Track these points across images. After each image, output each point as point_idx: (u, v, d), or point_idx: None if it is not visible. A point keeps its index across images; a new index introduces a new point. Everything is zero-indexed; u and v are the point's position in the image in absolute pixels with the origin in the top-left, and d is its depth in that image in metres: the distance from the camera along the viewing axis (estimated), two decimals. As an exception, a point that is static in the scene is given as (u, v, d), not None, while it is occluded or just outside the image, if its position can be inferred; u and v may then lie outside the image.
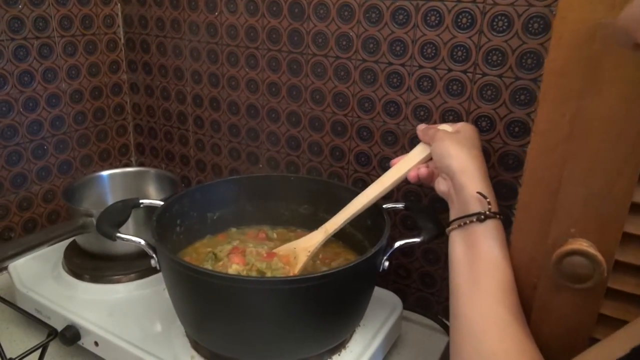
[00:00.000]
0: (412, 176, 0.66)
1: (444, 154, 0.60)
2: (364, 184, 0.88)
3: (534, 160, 0.54)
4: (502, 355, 0.49)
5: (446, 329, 0.84)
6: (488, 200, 0.56)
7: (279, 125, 0.95)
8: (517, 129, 0.72)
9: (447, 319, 0.86)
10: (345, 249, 0.79)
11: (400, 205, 0.74)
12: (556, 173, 0.52)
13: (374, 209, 0.72)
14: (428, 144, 0.65)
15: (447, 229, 0.60)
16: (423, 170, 0.65)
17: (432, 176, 0.65)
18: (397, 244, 0.65)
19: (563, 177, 0.51)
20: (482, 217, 0.55)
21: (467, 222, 0.56)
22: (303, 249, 0.69)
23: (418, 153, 0.67)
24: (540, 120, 0.52)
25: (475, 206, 0.56)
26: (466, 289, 0.54)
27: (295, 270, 0.68)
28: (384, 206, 0.72)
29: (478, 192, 0.56)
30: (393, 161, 0.69)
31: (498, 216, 0.56)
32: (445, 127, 0.67)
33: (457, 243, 0.57)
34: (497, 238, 0.55)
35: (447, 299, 0.85)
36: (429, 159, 0.66)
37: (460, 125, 0.66)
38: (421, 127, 0.68)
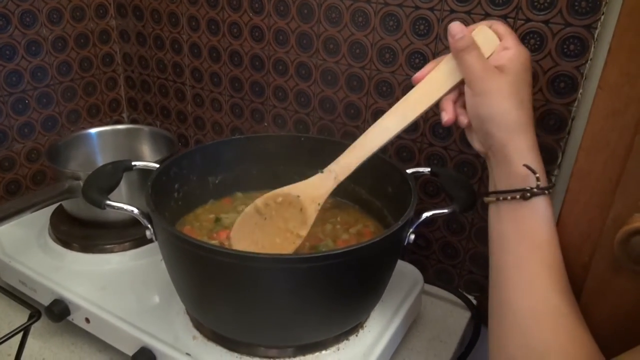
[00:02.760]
0: (447, 119, 0.52)
1: (485, 115, 0.49)
2: (385, 148, 0.82)
3: (597, 122, 0.46)
4: (557, 352, 0.43)
5: (468, 304, 0.80)
6: (537, 175, 0.48)
7: (286, 79, 0.89)
8: (562, 84, 0.65)
9: (469, 292, 0.83)
10: (363, 215, 0.75)
11: (425, 170, 0.69)
12: (626, 137, 0.45)
13: (396, 174, 0.67)
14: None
15: (485, 199, 0.52)
16: (462, 120, 0.52)
17: (469, 123, 0.53)
18: (426, 215, 0.60)
19: (635, 141, 0.44)
20: (529, 194, 0.48)
21: (509, 197, 0.49)
22: (310, 200, 0.60)
23: (449, 75, 0.51)
24: (611, 74, 0.44)
25: (521, 181, 0.49)
26: (512, 273, 0.48)
27: (304, 230, 0.60)
28: (408, 171, 0.67)
29: (525, 166, 0.48)
30: (417, 76, 0.54)
31: (547, 192, 0.49)
32: (487, 37, 0.49)
33: (499, 218, 0.50)
34: (546, 216, 0.49)
35: (470, 271, 0.82)
36: (462, 83, 0.51)
37: (509, 53, 0.48)
38: (455, 29, 0.49)
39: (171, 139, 0.91)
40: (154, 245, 0.62)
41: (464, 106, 0.53)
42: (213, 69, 0.97)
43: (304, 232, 0.60)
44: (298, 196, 0.61)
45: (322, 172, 0.60)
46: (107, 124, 1.11)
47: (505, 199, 0.49)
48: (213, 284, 0.56)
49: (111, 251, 0.79)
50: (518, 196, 0.48)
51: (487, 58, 0.50)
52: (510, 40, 0.49)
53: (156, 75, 1.07)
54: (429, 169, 0.69)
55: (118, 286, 0.73)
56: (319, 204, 0.60)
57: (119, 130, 0.95)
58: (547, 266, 0.47)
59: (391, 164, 0.69)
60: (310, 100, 0.88)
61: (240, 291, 0.54)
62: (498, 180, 0.51)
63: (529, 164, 0.48)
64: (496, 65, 0.49)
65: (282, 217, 0.62)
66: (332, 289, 0.55)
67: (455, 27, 0.49)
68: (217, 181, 0.76)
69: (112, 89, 1.12)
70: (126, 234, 0.80)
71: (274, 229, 0.61)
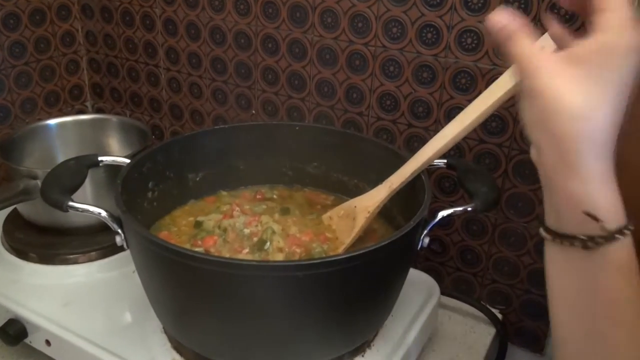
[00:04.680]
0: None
1: (536, 119, 0.40)
2: (390, 135, 0.83)
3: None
4: None
5: (492, 318, 0.81)
6: (602, 223, 0.39)
7: (277, 59, 0.89)
8: None
9: (493, 304, 0.84)
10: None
11: (440, 163, 0.69)
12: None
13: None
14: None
15: (541, 232, 0.44)
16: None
17: None
18: (442, 214, 0.60)
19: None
20: (590, 244, 0.40)
21: (567, 243, 0.42)
22: (363, 208, 0.67)
23: (507, 79, 0.50)
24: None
25: (579, 225, 0.41)
26: (581, 345, 0.43)
27: (349, 237, 0.67)
28: (420, 164, 0.67)
29: (586, 213, 0.40)
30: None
31: (621, 234, 0.40)
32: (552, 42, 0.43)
33: (556, 262, 0.44)
34: (623, 266, 0.41)
35: (493, 280, 0.83)
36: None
37: (589, 43, 0.38)
38: (494, 18, 0.42)
39: (143, 131, 0.91)
40: (126, 254, 0.63)
41: None
42: (191, 48, 0.97)
43: (347, 240, 0.67)
44: (355, 206, 0.69)
45: (383, 183, 0.67)
46: (68, 114, 1.10)
47: (563, 243, 0.42)
48: (195, 297, 0.56)
49: (75, 262, 0.79)
50: (579, 245, 0.41)
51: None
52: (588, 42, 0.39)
53: (125, 56, 1.07)
54: (444, 161, 0.69)
55: (84, 302, 0.73)
56: (369, 212, 0.67)
57: (82, 121, 0.95)
58: (630, 333, 0.42)
59: (400, 156, 0.69)
60: (306, 83, 0.88)
61: (226, 305, 0.54)
62: (551, 215, 0.43)
63: (590, 200, 0.39)
64: (564, 53, 0.39)
65: (345, 226, 0.69)
66: (333, 301, 0.55)
67: (495, 16, 0.42)
68: (197, 178, 0.77)
69: (73, 73, 1.12)
70: (93, 242, 0.80)
71: (339, 236, 0.70)
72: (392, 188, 0.65)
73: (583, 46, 0.38)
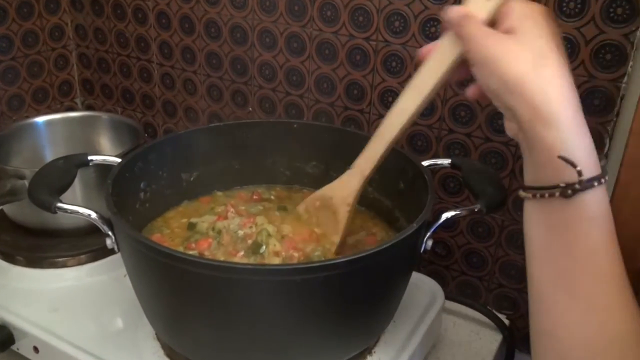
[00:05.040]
0: (469, 95, 0.54)
1: (495, 86, 0.47)
2: (392, 133, 0.83)
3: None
4: None
5: (499, 324, 0.81)
6: (579, 169, 0.44)
7: (275, 54, 0.89)
8: (609, 56, 0.66)
9: (499, 309, 0.83)
10: (371, 218, 0.76)
11: (445, 162, 0.70)
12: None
13: (409, 167, 0.68)
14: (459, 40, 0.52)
15: (520, 193, 0.50)
16: (472, 91, 0.53)
17: (472, 96, 0.54)
18: (446, 215, 0.60)
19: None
20: (569, 192, 0.45)
21: (546, 195, 0.47)
22: (341, 201, 0.66)
23: (450, 47, 0.53)
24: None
25: (557, 174, 0.46)
26: (557, 294, 0.47)
27: (336, 234, 0.66)
28: (423, 163, 0.68)
29: (560, 157, 0.45)
30: (422, 51, 0.56)
31: (596, 183, 0.45)
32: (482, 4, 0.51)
33: (537, 220, 0.49)
34: (598, 215, 0.46)
35: (500, 284, 0.83)
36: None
37: (514, 12, 0.49)
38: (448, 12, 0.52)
39: (135, 129, 0.91)
40: (117, 257, 0.63)
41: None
42: (185, 42, 0.98)
43: (336, 239, 0.66)
44: (331, 198, 0.66)
45: (350, 168, 0.65)
46: (57, 111, 1.10)
47: (542, 196, 0.47)
48: (189, 302, 0.56)
49: (64, 265, 0.79)
50: (557, 193, 0.46)
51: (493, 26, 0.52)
52: (512, 7, 0.50)
53: (116, 51, 1.07)
54: (449, 161, 0.69)
55: (73, 307, 0.73)
56: (348, 205, 0.65)
57: (71, 118, 0.95)
58: (605, 282, 0.46)
59: (403, 155, 0.69)
60: (304, 79, 0.88)
61: (221, 310, 0.54)
62: (532, 172, 0.49)
63: (568, 147, 0.44)
64: (503, 30, 0.49)
65: (324, 219, 0.68)
66: (332, 306, 0.55)
67: (451, 10, 0.52)
68: (191, 178, 0.77)
69: (62, 68, 1.12)
70: (82, 244, 0.81)
71: (320, 232, 0.68)
72: (365, 175, 0.63)
73: (511, 19, 0.48)
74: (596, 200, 0.46)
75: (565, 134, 0.45)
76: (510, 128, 0.50)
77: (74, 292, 0.76)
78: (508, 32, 0.48)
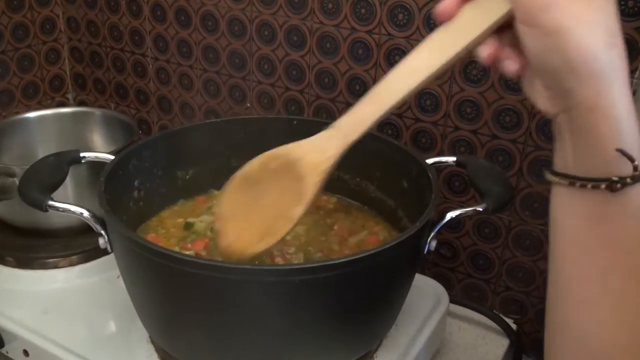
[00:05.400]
0: (485, 55, 0.45)
1: (558, 65, 0.41)
2: (395, 130, 0.83)
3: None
4: None
5: (506, 328, 0.81)
6: (636, 163, 0.41)
7: (274, 47, 0.89)
8: None
9: (506, 313, 0.84)
10: (373, 218, 0.76)
11: (450, 160, 0.70)
12: None
13: (413, 165, 0.68)
14: None
15: (550, 177, 0.46)
16: (509, 66, 0.45)
17: (522, 68, 0.46)
18: (450, 215, 0.61)
19: None
20: (619, 185, 0.43)
21: (589, 186, 0.44)
22: (312, 167, 0.54)
23: (496, 5, 0.44)
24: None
25: (608, 166, 0.43)
26: (586, 291, 0.46)
27: (298, 209, 0.55)
28: (427, 161, 0.68)
29: (619, 150, 0.41)
30: (447, 4, 0.46)
31: None
32: None
33: (571, 211, 0.46)
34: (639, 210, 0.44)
35: (507, 287, 0.83)
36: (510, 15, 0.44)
37: None
38: None
39: (129, 125, 0.91)
40: (110, 258, 0.63)
41: (514, 43, 0.44)
42: (181, 35, 0.98)
43: (296, 213, 0.55)
44: (299, 159, 0.55)
45: (330, 127, 0.54)
46: (48, 106, 1.11)
47: (584, 186, 0.43)
48: (184, 304, 0.56)
49: (55, 266, 0.80)
50: (603, 186, 0.43)
51: None
52: None
53: (109, 44, 1.07)
54: (454, 159, 0.69)
55: (64, 310, 0.74)
56: (320, 173, 0.54)
57: (63, 114, 0.96)
58: (638, 281, 0.44)
59: (407, 153, 0.70)
60: (305, 74, 0.89)
61: (217, 313, 0.54)
62: (574, 158, 0.44)
63: (623, 139, 0.41)
64: None
65: (278, 188, 0.56)
66: (331, 309, 0.56)
67: None
68: (187, 176, 0.77)
69: (53, 62, 1.12)
70: (74, 244, 0.81)
71: (267, 205, 0.57)
72: (348, 142, 0.53)
73: None
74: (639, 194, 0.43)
75: (622, 125, 0.42)
76: (550, 106, 0.44)
77: (66, 294, 0.76)
78: None
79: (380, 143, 0.73)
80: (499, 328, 0.82)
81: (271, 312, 0.54)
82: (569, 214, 0.46)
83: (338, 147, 0.53)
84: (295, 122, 0.78)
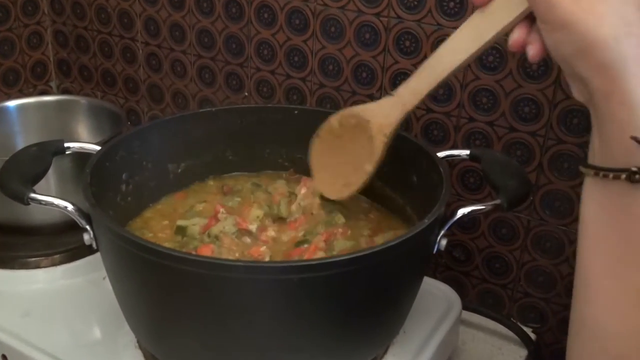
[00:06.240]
0: (514, 39, 0.53)
1: (570, 54, 0.46)
2: (405, 121, 0.83)
3: None
4: None
5: (524, 338, 0.82)
6: None
7: (274, 31, 0.90)
8: None
9: (525, 322, 0.84)
10: (377, 216, 0.77)
11: (463, 153, 0.71)
12: None
13: (423, 158, 0.69)
14: None
15: (581, 169, 0.50)
16: (531, 50, 0.51)
17: (541, 53, 0.52)
18: (462, 211, 0.61)
19: None
20: (638, 176, 0.46)
21: (610, 176, 0.47)
22: (378, 129, 0.67)
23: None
24: None
25: (627, 156, 0.46)
26: (607, 285, 0.48)
27: (370, 165, 0.68)
28: (439, 154, 0.69)
29: (633, 137, 0.45)
30: None
31: None
32: None
33: (596, 202, 0.49)
34: None
35: (526, 293, 0.84)
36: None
37: None
38: None
39: (117, 115, 0.92)
40: (95, 258, 0.64)
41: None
42: (174, 18, 0.98)
43: (370, 167, 0.68)
44: (368, 121, 0.67)
45: (391, 94, 0.66)
46: (29, 94, 1.11)
47: (606, 176, 0.47)
48: (176, 305, 0.57)
49: (37, 266, 0.80)
50: (624, 176, 0.46)
51: None
52: None
53: (96, 28, 1.08)
54: (467, 152, 0.70)
55: (46, 312, 0.74)
56: (385, 136, 0.66)
57: (46, 102, 0.96)
58: None
59: (416, 145, 0.71)
60: (307, 60, 0.89)
61: (210, 314, 0.55)
62: (600, 149, 0.49)
63: None
64: None
65: (355, 144, 0.69)
66: (333, 311, 0.56)
67: None
68: (179, 169, 0.78)
69: (36, 47, 1.13)
70: (57, 243, 0.81)
71: (346, 157, 0.70)
72: (407, 109, 0.65)
73: None
74: None
75: (639, 111, 0.45)
76: (580, 94, 0.50)
77: (48, 296, 0.77)
78: None
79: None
80: (516, 338, 0.82)
81: (268, 313, 0.55)
82: (593, 206, 0.49)
83: (399, 114, 0.65)
84: (296, 112, 0.79)
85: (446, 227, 0.61)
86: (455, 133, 0.82)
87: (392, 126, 0.66)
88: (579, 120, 0.72)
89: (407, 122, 0.84)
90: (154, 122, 0.77)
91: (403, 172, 0.72)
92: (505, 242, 0.83)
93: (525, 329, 0.82)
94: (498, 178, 0.64)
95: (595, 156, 0.48)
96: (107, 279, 0.65)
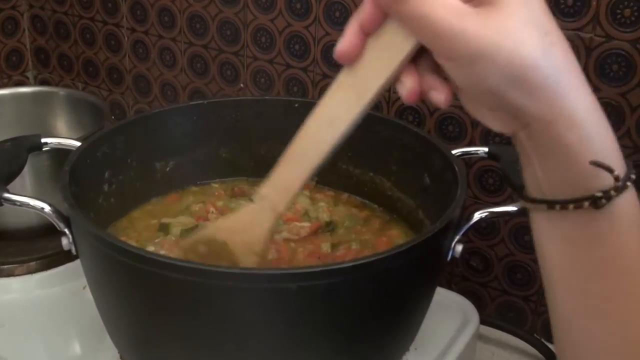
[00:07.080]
0: (407, 92, 0.47)
1: (496, 85, 0.42)
2: (418, 116, 0.84)
3: None
4: None
5: (548, 355, 0.82)
6: (616, 173, 0.43)
7: (273, 16, 0.91)
8: (627, 11, 0.67)
9: (549, 338, 0.84)
10: (387, 221, 0.77)
11: (480, 151, 0.71)
12: None
13: (437, 157, 0.69)
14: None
15: (527, 204, 0.50)
16: (437, 97, 0.47)
17: (451, 96, 0.48)
18: (479, 215, 0.62)
19: None
20: (603, 201, 0.44)
21: (571, 207, 0.46)
22: (243, 248, 0.60)
23: (401, 40, 0.46)
24: None
25: (585, 182, 0.45)
26: (591, 326, 0.48)
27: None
28: (453, 152, 0.69)
29: (593, 162, 0.43)
30: (346, 43, 0.48)
31: (628, 182, 0.45)
32: None
33: (554, 237, 0.48)
34: (631, 222, 0.46)
35: (550, 306, 0.83)
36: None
37: None
38: None
39: (99, 108, 0.92)
40: (74, 266, 0.65)
41: (435, 67, 0.46)
42: (162, 2, 0.99)
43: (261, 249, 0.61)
44: (225, 244, 0.60)
45: (252, 200, 0.60)
46: (4, 86, 1.12)
47: (564, 208, 0.46)
48: (163, 316, 0.57)
49: (10, 274, 0.80)
50: (586, 204, 0.45)
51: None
52: None
53: (77, 13, 1.08)
54: (485, 149, 0.70)
55: (20, 325, 0.75)
56: (257, 255, 0.59)
57: (22, 94, 0.97)
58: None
59: (429, 142, 0.70)
60: (309, 48, 0.90)
61: (201, 325, 0.55)
62: (546, 179, 0.47)
63: (595, 148, 0.43)
64: (474, 3, 0.43)
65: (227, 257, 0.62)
66: (335, 322, 0.56)
67: None
68: (167, 168, 0.78)
69: (11, 34, 1.13)
70: (33, 249, 0.82)
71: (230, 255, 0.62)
72: (278, 212, 0.57)
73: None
74: (627, 204, 0.46)
75: (591, 131, 0.44)
76: (505, 126, 0.46)
77: (23, 306, 0.77)
78: (482, 4, 0.42)
79: (398, 131, 0.74)
80: (539, 355, 0.82)
81: (264, 324, 0.55)
82: (556, 243, 0.48)
83: (267, 224, 0.58)
84: (296, 105, 0.79)
85: (461, 232, 0.61)
86: (473, 129, 0.82)
87: (263, 238, 0.58)
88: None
89: (419, 117, 0.84)
90: (140, 115, 0.77)
91: (414, 172, 0.72)
92: (527, 249, 0.83)
93: (549, 345, 0.82)
94: (519, 179, 0.64)
95: (543, 187, 0.46)
96: (87, 289, 0.66)
